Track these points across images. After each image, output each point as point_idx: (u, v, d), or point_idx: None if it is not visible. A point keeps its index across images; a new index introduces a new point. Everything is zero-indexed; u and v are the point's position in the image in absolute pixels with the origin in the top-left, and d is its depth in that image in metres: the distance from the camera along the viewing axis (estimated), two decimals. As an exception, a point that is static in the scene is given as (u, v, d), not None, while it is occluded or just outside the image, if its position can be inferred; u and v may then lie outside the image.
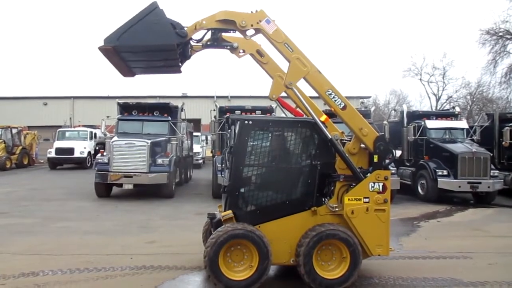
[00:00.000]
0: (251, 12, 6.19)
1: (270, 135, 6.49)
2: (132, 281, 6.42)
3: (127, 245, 8.42)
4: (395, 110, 24.86)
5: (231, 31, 6.32)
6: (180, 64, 6.59)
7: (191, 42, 6.36)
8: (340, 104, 6.25)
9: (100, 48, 5.90)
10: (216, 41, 6.36)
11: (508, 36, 34.63)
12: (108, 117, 17.64)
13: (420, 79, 50.10)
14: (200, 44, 6.46)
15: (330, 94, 6.23)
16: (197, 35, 6.33)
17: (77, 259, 7.37)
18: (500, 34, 34.84)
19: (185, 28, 6.12)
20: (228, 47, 6.35)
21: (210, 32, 6.32)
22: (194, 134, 25.80)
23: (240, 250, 5.92)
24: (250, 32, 6.23)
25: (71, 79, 75.53)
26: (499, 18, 40.92)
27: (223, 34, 6.36)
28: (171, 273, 6.75)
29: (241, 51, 6.34)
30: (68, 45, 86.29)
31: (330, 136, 6.12)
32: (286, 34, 6.20)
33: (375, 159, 6.25)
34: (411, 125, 16.19)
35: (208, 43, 6.38)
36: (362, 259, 6.20)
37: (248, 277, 5.81)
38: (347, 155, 6.33)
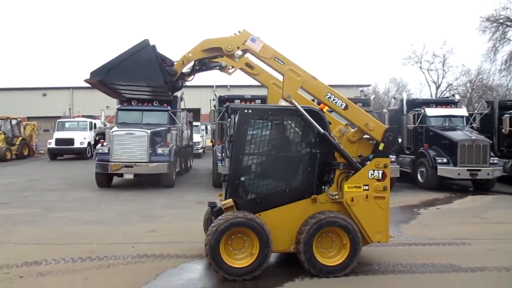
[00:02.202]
0: (234, 34, 6.17)
1: (269, 124, 6.49)
2: (134, 269, 6.47)
3: (128, 234, 8.47)
4: (394, 98, 24.76)
5: (219, 56, 6.32)
6: (170, 93, 6.69)
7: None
8: (341, 105, 6.27)
9: (86, 81, 5.90)
10: (205, 65, 6.42)
11: (509, 23, 34.50)
12: (107, 107, 17.58)
13: (420, 67, 49.98)
14: (190, 74, 6.52)
15: (330, 97, 6.26)
16: (186, 68, 6.37)
17: (79, 248, 7.43)
18: (501, 21, 34.71)
19: (175, 64, 6.14)
20: (217, 67, 6.41)
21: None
22: (194, 123, 25.78)
23: (241, 238, 5.96)
24: (238, 53, 6.20)
25: (70, 70, 75.27)
26: (499, 5, 40.70)
27: None
28: (173, 261, 6.81)
29: (230, 67, 6.41)
30: (67, 36, 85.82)
31: (322, 131, 6.15)
32: (274, 47, 6.18)
33: (381, 147, 6.28)
34: (411, 113, 16.21)
35: (197, 67, 6.41)
36: (362, 246, 6.26)
37: (249, 265, 5.87)
38: (346, 143, 6.39)
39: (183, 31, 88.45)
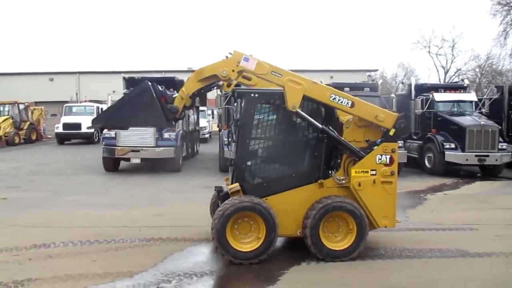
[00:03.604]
0: (226, 57, 6.08)
1: (276, 108, 6.46)
2: (141, 252, 6.53)
3: (136, 218, 8.53)
4: (402, 83, 24.62)
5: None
6: (173, 123, 6.84)
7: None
8: (347, 103, 6.15)
9: (89, 128, 5.92)
10: (203, 89, 6.39)
11: (520, 7, 33.81)
12: (114, 92, 17.56)
13: (429, 52, 49.32)
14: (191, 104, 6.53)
15: (334, 98, 6.14)
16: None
17: (87, 231, 7.48)
18: (512, 4, 34.03)
19: (174, 97, 6.18)
20: (215, 87, 6.42)
21: None
22: (201, 108, 25.74)
23: (247, 222, 5.98)
24: (234, 76, 6.10)
25: (76, 54, 75.32)
26: (511, -13, 39.86)
27: None
28: (180, 244, 6.85)
29: (228, 84, 6.30)
30: (74, 20, 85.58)
31: (321, 126, 6.11)
32: (268, 61, 6.09)
33: (391, 133, 6.21)
34: (419, 98, 15.96)
35: (195, 92, 6.38)
36: (369, 231, 6.25)
37: (255, 249, 5.89)
38: (353, 128, 6.34)
39: (184, 20, 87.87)
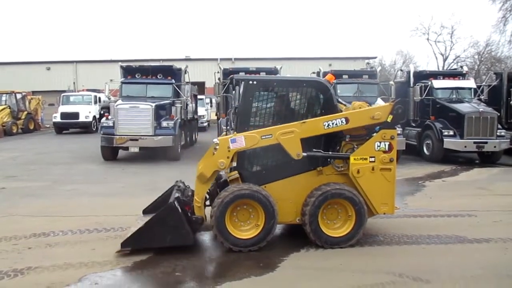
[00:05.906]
0: (215, 148, 6.07)
1: (274, 95, 6.42)
2: (140, 240, 6.52)
3: (135, 207, 8.48)
4: (401, 70, 24.47)
5: None
6: None
7: None
8: (342, 122, 6.08)
9: (118, 252, 5.96)
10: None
11: (520, -8, 33.58)
12: (111, 80, 17.44)
13: (428, 39, 49.25)
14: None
15: (329, 125, 6.06)
16: None
17: (87, 220, 7.49)
18: (512, -10, 33.78)
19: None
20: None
21: None
22: (199, 97, 25.65)
23: (246, 210, 5.99)
24: (231, 159, 6.07)
25: (73, 43, 74.81)
26: (511, -28, 39.45)
27: None
28: (179, 232, 6.84)
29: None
30: (71, 9, 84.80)
31: (305, 154, 6.05)
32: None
33: (389, 119, 6.17)
34: (418, 85, 15.92)
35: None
36: (368, 218, 6.27)
37: (255, 236, 5.91)
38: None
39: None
